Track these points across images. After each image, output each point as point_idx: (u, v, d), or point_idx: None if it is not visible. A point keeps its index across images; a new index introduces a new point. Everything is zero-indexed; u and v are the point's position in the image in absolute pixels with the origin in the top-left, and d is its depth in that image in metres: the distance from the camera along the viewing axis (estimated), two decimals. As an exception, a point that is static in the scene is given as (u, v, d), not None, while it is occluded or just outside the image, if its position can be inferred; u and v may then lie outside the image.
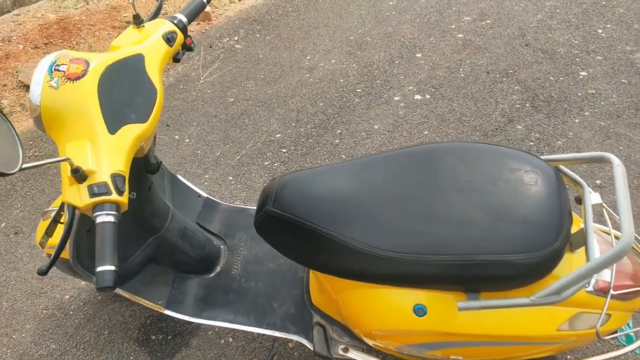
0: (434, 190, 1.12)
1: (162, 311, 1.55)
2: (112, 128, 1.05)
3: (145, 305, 1.54)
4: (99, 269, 0.87)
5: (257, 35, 3.95)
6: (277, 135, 2.87)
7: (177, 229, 1.56)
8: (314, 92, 3.21)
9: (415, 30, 3.75)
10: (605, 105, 2.82)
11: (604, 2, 3.83)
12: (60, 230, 1.46)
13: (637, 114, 2.73)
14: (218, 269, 1.69)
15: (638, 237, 1.20)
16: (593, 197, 1.10)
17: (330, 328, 1.47)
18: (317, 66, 3.47)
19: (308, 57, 3.59)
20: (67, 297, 2.08)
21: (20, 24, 4.05)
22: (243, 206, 1.89)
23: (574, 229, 1.09)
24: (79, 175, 0.94)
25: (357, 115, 2.96)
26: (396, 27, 3.82)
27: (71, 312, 2.02)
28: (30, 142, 3.01)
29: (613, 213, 1.17)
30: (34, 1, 4.66)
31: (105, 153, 1.01)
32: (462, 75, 3.21)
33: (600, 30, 3.50)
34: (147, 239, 1.48)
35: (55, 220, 1.43)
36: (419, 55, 3.47)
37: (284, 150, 2.76)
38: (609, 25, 3.54)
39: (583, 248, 1.05)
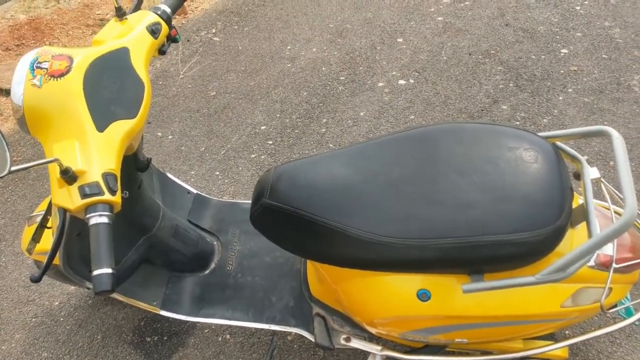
0: (432, 173, 1.10)
1: (157, 312, 1.51)
2: (101, 125, 1.01)
3: (140, 307, 1.51)
4: (96, 272, 0.84)
5: (235, 27, 3.88)
6: (262, 127, 2.83)
7: (169, 228, 1.52)
8: (297, 82, 3.17)
9: (395, 15, 3.73)
10: (588, 81, 2.83)
11: (580, -21, 3.84)
12: (47, 235, 1.41)
13: (619, 89, 2.74)
14: (212, 265, 1.66)
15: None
16: (592, 172, 1.09)
17: (331, 318, 1.45)
18: (298, 55, 3.43)
19: (288, 47, 3.54)
20: (57, 303, 2.03)
21: (-11, 26, 3.93)
22: (234, 200, 1.85)
23: (573, 205, 1.09)
24: (68, 176, 0.90)
25: (342, 103, 2.93)
26: (376, 13, 3.79)
27: (62, 319, 1.97)
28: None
29: (611, 187, 1.17)
30: (2, 2, 4.51)
31: (95, 152, 0.97)
32: (445, 58, 3.19)
33: (578, 7, 3.51)
34: (138, 240, 1.44)
35: (42, 225, 1.39)
36: (400, 40, 3.44)
37: (270, 142, 2.72)
38: (586, 2, 3.56)
39: (584, 223, 1.05)
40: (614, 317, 1.72)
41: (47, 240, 1.42)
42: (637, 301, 1.26)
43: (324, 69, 3.26)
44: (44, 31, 3.89)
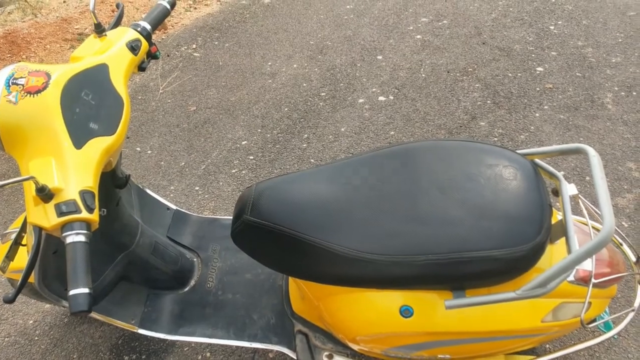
0: (414, 190, 1.11)
1: (136, 331, 1.48)
2: (78, 143, 0.99)
3: (118, 325, 1.47)
4: (72, 292, 0.82)
5: (216, 43, 3.88)
6: (243, 143, 2.82)
7: (148, 244, 1.50)
8: (278, 98, 3.17)
9: (375, 32, 3.78)
10: (563, 98, 2.90)
11: (553, 0, 3.95)
12: (22, 252, 1.38)
13: (593, 106, 2.82)
14: (192, 282, 1.63)
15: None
16: (570, 189, 1.11)
17: (313, 335, 1.44)
18: (279, 71, 3.44)
19: (269, 63, 3.55)
20: (31, 322, 1.97)
21: (-36, 39, 3.86)
22: (214, 216, 1.84)
23: (552, 221, 1.10)
24: (44, 194, 0.88)
25: (323, 118, 2.94)
26: (355, 31, 3.83)
27: (36, 338, 1.92)
28: (-19, 162, 2.85)
29: (589, 204, 1.19)
30: (-23, 15, 4.45)
31: (72, 169, 0.95)
32: (424, 75, 3.24)
33: (552, 27, 3.62)
34: (116, 257, 1.41)
35: (16, 243, 1.35)
36: (379, 57, 3.49)
37: (252, 157, 2.71)
38: (560, 22, 3.66)
39: (563, 239, 1.06)
40: (593, 331, 1.74)
41: (22, 258, 1.38)
42: (615, 315, 1.28)
43: (304, 84, 3.27)
44: (21, 45, 3.84)
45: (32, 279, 1.25)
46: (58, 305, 1.73)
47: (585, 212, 1.17)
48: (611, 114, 2.74)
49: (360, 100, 3.07)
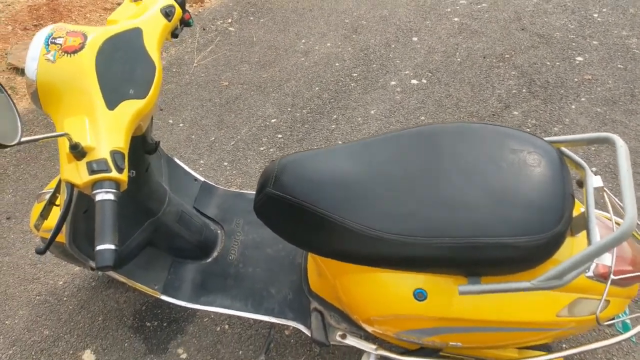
0: (436, 172, 1.11)
1: (158, 296, 1.53)
2: (111, 104, 1.02)
3: (141, 290, 1.53)
4: (99, 247, 0.85)
5: (251, 18, 3.89)
6: (273, 120, 2.84)
7: (174, 213, 1.54)
8: (310, 76, 3.17)
9: (411, 13, 3.71)
10: (602, 91, 2.81)
11: (600, -13, 3.80)
12: (55, 212, 1.43)
13: (633, 101, 2.72)
14: (215, 254, 1.67)
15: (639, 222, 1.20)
16: (595, 181, 1.09)
17: (328, 314, 1.46)
18: (312, 50, 3.43)
19: (303, 41, 3.54)
20: (61, 283, 2.06)
21: (9, 5, 3.96)
22: (240, 191, 1.87)
23: (575, 213, 1.09)
24: (77, 151, 0.92)
25: (354, 100, 2.93)
26: (392, 11, 3.78)
27: (65, 298, 2.01)
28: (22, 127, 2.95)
29: (614, 197, 1.16)
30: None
31: (104, 129, 0.98)
32: (459, 59, 3.18)
33: (596, 15, 3.48)
34: (143, 222, 1.46)
35: (51, 203, 1.41)
36: (415, 39, 3.43)
37: (280, 136, 2.73)
38: (604, 10, 3.52)
39: (584, 232, 1.05)
40: (612, 334, 1.72)
41: (55, 217, 1.44)
42: (634, 315, 1.26)
43: (337, 64, 3.26)
44: (62, 12, 3.92)
45: (63, 238, 1.31)
46: (85, 266, 1.80)
47: (610, 206, 1.15)
48: (652, 109, 2.65)
49: (392, 83, 3.04)
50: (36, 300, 2.01)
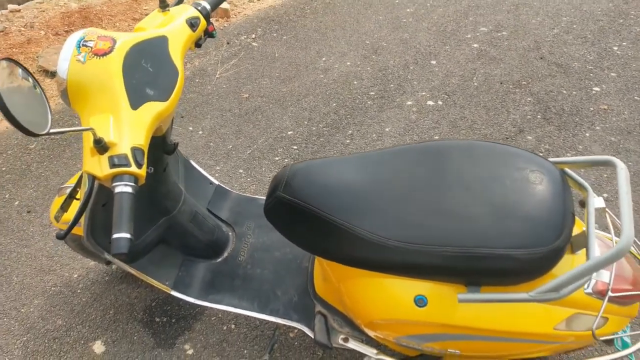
0: (441, 185, 1.15)
1: (169, 292, 1.58)
2: (135, 104, 1.09)
3: (153, 284, 1.58)
4: (115, 235, 0.91)
5: (274, 35, 4.00)
6: (289, 132, 2.91)
7: (188, 213, 1.60)
8: (328, 93, 3.25)
9: (432, 38, 3.79)
10: (617, 121, 2.84)
11: (621, 20, 3.85)
12: (75, 205, 1.51)
13: (648, 131, 2.74)
14: (225, 254, 1.73)
15: (638, 241, 1.23)
16: (596, 201, 1.13)
17: (332, 318, 1.50)
18: (331, 67, 3.52)
19: (323, 59, 3.63)
20: (76, 275, 2.13)
21: (44, 11, 4.13)
22: (252, 196, 1.93)
23: (576, 232, 1.12)
24: (100, 146, 0.98)
25: (369, 117, 2.99)
26: (412, 34, 3.86)
27: (79, 291, 2.07)
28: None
29: (616, 218, 1.19)
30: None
31: (127, 127, 1.05)
32: (476, 84, 3.24)
33: (615, 48, 3.52)
34: (159, 220, 1.52)
35: (71, 196, 1.48)
36: (433, 62, 3.50)
37: (295, 147, 2.79)
38: (624, 43, 3.56)
39: (584, 250, 1.08)
40: (613, 352, 1.72)
41: (74, 210, 1.51)
42: (633, 332, 1.28)
43: (355, 82, 3.33)
44: (93, 20, 4.08)
45: (80, 231, 1.37)
46: (100, 260, 1.86)
47: (611, 226, 1.18)
48: (666, 141, 2.66)
49: (409, 103, 3.10)
50: (51, 291, 2.08)
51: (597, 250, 1.05)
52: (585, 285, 1.12)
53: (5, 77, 0.93)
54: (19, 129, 0.89)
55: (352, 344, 1.46)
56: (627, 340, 1.32)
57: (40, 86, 1.03)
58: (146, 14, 4.24)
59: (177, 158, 1.71)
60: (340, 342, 1.47)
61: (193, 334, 1.88)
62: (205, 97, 3.29)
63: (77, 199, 1.49)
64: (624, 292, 1.14)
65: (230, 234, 1.78)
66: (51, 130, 0.95)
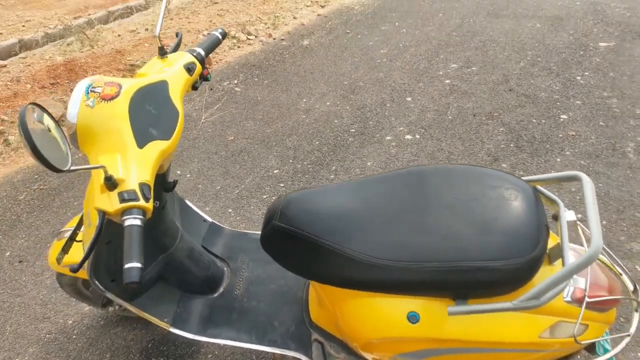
0: (424, 206, 1.25)
1: (168, 328, 1.62)
2: (141, 143, 1.18)
3: (152, 322, 1.61)
4: (127, 265, 0.97)
5: (256, 79, 4.15)
6: (275, 171, 3.00)
7: (185, 249, 1.66)
8: (310, 132, 3.37)
9: (406, 76, 3.97)
10: (585, 145, 3.00)
11: (581, 52, 4.09)
12: (75, 248, 1.55)
13: (614, 154, 2.90)
14: (221, 289, 1.77)
15: (608, 250, 1.33)
16: (568, 215, 1.23)
17: (328, 344, 1.55)
18: (312, 108, 3.65)
19: (304, 100, 3.77)
20: (71, 321, 2.14)
21: (29, 65, 4.23)
22: (245, 231, 1.99)
23: (551, 244, 1.22)
24: (110, 182, 1.06)
25: (351, 153, 3.11)
26: (387, 73, 4.04)
27: (74, 336, 2.08)
28: (36, 176, 3.11)
29: (586, 229, 1.30)
30: (41, 45, 4.87)
31: (134, 164, 1.13)
32: (450, 117, 3.39)
33: (579, 78, 3.74)
34: (157, 257, 1.58)
35: (72, 239, 1.53)
36: (409, 99, 3.66)
37: (282, 185, 2.88)
38: (587, 73, 3.79)
39: (560, 260, 1.17)
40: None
41: (76, 253, 1.56)
42: (610, 336, 1.35)
43: (336, 121, 3.47)
44: (78, 72, 4.18)
45: (84, 274, 1.42)
46: (96, 304, 1.89)
47: (582, 236, 1.28)
48: (632, 163, 2.82)
49: (388, 138, 3.23)
50: (46, 338, 2.08)
51: (572, 259, 1.14)
52: (565, 294, 1.21)
53: (32, 120, 1.01)
54: (45, 165, 0.96)
55: (349, 369, 1.51)
56: (608, 346, 1.40)
57: (61, 128, 1.11)
58: (130, 65, 4.37)
59: (173, 197, 1.78)
60: (338, 367, 1.52)
61: (191, 372, 1.90)
62: (192, 141, 3.38)
63: (78, 241, 1.54)
64: (600, 298, 1.23)
65: (225, 269, 1.83)
66: (71, 168, 1.03)
